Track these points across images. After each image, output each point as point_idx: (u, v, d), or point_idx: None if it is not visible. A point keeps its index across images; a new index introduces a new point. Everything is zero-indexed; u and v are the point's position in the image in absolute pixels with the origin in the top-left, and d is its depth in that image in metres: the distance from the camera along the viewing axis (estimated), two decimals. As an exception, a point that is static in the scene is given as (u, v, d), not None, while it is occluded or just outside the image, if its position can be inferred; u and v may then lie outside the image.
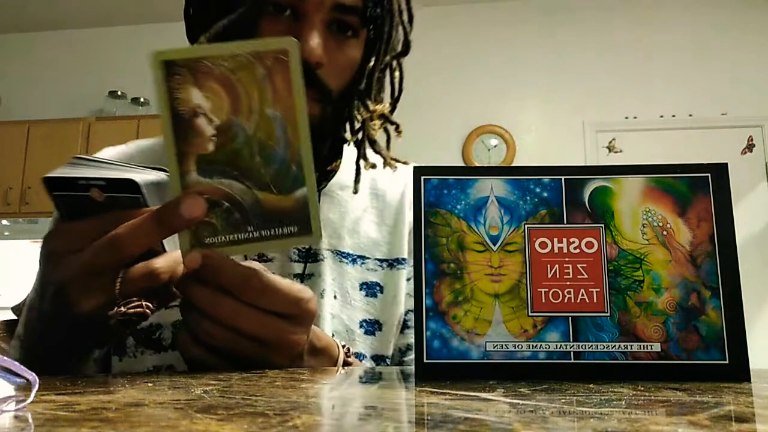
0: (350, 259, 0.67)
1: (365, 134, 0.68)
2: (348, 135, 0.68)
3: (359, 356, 0.64)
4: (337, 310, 0.64)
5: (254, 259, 0.61)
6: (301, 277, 0.64)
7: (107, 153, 0.70)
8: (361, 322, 0.65)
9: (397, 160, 0.67)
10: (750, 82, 3.80)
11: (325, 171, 0.69)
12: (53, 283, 0.42)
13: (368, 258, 0.68)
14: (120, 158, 0.69)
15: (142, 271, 0.41)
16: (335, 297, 0.64)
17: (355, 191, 0.68)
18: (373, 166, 0.68)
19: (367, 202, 0.72)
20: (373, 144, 0.68)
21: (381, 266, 0.68)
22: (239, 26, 0.57)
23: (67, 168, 0.42)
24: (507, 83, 3.98)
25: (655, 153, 3.71)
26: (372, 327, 0.66)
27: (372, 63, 0.65)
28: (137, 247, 0.40)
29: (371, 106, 0.66)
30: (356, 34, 0.62)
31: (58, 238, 0.43)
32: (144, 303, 0.44)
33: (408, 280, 0.70)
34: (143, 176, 0.42)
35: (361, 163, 0.68)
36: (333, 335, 0.62)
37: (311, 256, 0.65)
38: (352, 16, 0.60)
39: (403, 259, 0.70)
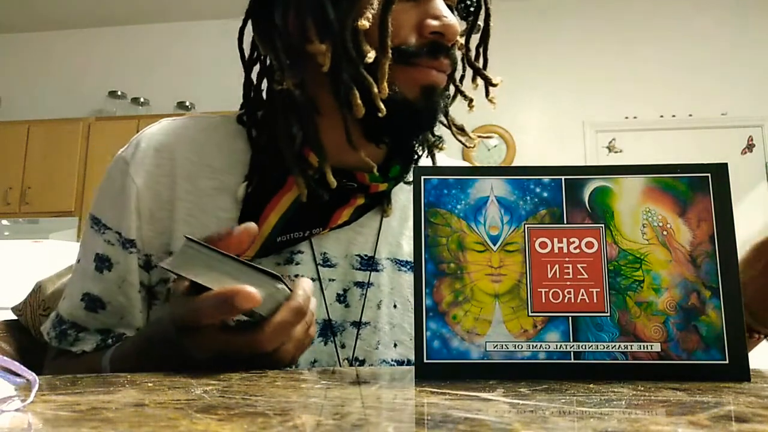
0: (408, 267, 0.66)
1: (449, 119, 0.70)
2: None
3: (411, 364, 0.63)
4: (399, 319, 0.63)
5: (320, 264, 0.61)
6: (362, 285, 0.63)
7: (165, 124, 0.66)
8: None
9: (481, 137, 0.70)
10: (750, 82, 3.79)
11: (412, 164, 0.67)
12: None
13: None
14: (181, 134, 0.64)
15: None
16: (395, 306, 0.64)
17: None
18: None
19: None
20: (462, 128, 0.71)
21: None
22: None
23: (190, 258, 0.43)
24: (507, 83, 3.96)
25: (655, 153, 3.71)
26: None
27: (482, 43, 0.68)
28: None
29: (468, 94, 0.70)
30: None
31: None
32: None
33: None
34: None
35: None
36: (396, 345, 0.62)
37: (372, 265, 0.64)
38: None
39: None
